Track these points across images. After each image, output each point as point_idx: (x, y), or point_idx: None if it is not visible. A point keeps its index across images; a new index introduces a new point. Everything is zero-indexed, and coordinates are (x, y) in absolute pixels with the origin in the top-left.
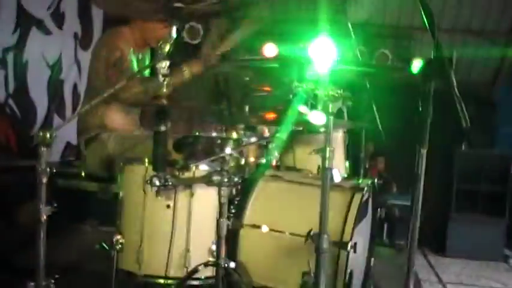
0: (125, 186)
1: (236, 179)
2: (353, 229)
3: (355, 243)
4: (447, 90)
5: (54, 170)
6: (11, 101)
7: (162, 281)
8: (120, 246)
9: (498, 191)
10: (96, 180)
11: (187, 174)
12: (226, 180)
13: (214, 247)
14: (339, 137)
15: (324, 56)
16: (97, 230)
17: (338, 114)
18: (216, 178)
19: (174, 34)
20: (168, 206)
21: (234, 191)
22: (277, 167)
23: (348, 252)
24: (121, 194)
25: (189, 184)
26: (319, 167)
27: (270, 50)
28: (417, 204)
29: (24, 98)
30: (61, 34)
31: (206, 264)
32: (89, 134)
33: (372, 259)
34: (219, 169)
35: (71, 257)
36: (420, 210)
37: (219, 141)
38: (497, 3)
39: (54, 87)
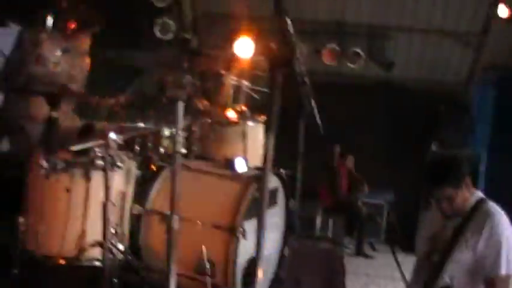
0: (32, 171)
1: (120, 164)
2: (244, 216)
3: (244, 230)
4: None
5: None
6: None
7: (61, 261)
8: (23, 228)
9: None
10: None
11: (81, 159)
12: (110, 164)
13: (113, 230)
14: (259, 129)
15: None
16: None
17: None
18: (98, 162)
19: None
20: (68, 190)
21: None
22: (187, 156)
23: (238, 238)
24: (29, 178)
25: (85, 168)
26: (226, 158)
27: None
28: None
29: None
30: None
31: (93, 245)
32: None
33: (286, 249)
34: (101, 154)
35: None
36: (393, 210)
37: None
38: (470, 4)
39: None
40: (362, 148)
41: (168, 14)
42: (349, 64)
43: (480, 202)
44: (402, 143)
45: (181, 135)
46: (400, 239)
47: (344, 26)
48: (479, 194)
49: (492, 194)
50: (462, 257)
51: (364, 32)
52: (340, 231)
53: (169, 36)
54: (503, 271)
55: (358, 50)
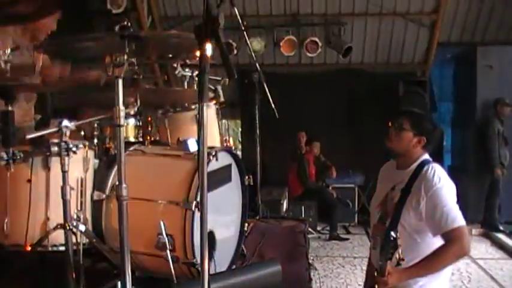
0: None
1: (75, 149)
2: (197, 191)
3: (198, 203)
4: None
5: None
6: None
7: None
8: None
9: None
10: None
11: (39, 149)
12: (65, 150)
13: (75, 215)
14: (211, 112)
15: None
16: None
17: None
18: (54, 149)
19: None
20: (29, 181)
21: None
22: (143, 142)
23: (193, 211)
24: None
25: (43, 157)
26: (178, 139)
27: None
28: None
29: None
30: None
31: (55, 228)
32: None
33: (246, 224)
34: (56, 141)
35: None
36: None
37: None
38: None
39: None
40: (328, 134)
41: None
42: (307, 53)
43: (423, 162)
44: (367, 126)
45: (122, 111)
46: None
47: (299, 17)
48: (426, 157)
49: (457, 167)
50: (409, 218)
51: (320, 22)
52: (313, 217)
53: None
54: (454, 225)
55: (316, 39)
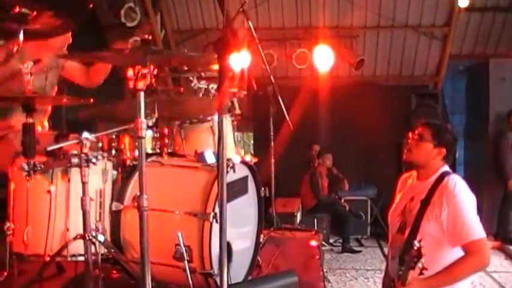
0: (14, 177)
1: (94, 160)
2: (215, 202)
3: (216, 214)
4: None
5: None
6: None
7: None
8: (11, 231)
9: None
10: None
11: (59, 160)
12: (85, 161)
13: (94, 226)
14: (227, 124)
15: None
16: None
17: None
18: (74, 160)
19: None
20: (48, 192)
21: (117, 179)
22: (161, 154)
23: (211, 222)
24: (12, 185)
25: (63, 168)
26: (195, 151)
27: None
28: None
29: None
30: None
31: (75, 238)
32: None
33: (262, 236)
34: (76, 152)
35: None
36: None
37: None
38: None
39: None
40: (340, 146)
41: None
42: (320, 66)
43: (443, 174)
44: (379, 138)
45: (144, 123)
46: (386, 232)
47: (312, 30)
48: (446, 168)
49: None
50: (429, 229)
51: (332, 34)
52: (326, 230)
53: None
54: (474, 237)
55: (328, 51)
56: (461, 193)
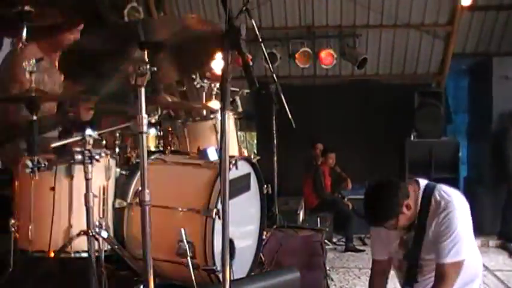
0: (18, 175)
1: (97, 157)
2: (217, 198)
3: (218, 210)
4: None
5: None
6: None
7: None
8: (15, 228)
9: (448, 177)
10: None
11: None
12: (88, 158)
13: (97, 222)
14: (230, 122)
15: None
16: None
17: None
18: (78, 157)
19: None
20: (52, 189)
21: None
22: (163, 152)
23: (213, 218)
24: (16, 182)
25: (67, 165)
26: (198, 148)
27: None
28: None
29: None
30: None
31: (79, 234)
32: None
33: (264, 233)
34: (79, 149)
35: None
36: None
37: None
38: None
39: None
40: (343, 145)
41: None
42: (323, 65)
43: (425, 196)
44: (382, 137)
45: (145, 118)
46: None
47: (314, 29)
48: (421, 187)
49: (473, 179)
50: (429, 253)
51: (335, 33)
52: (329, 229)
53: None
54: (455, 258)
55: (331, 51)
56: (450, 205)
